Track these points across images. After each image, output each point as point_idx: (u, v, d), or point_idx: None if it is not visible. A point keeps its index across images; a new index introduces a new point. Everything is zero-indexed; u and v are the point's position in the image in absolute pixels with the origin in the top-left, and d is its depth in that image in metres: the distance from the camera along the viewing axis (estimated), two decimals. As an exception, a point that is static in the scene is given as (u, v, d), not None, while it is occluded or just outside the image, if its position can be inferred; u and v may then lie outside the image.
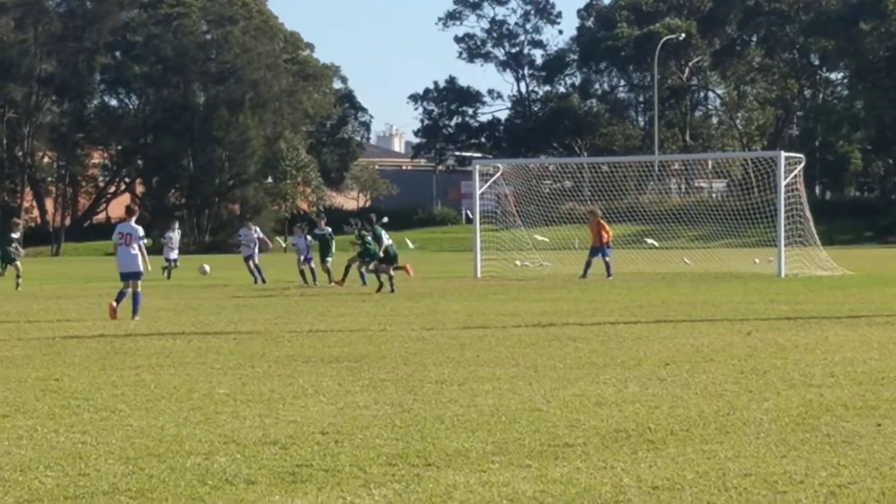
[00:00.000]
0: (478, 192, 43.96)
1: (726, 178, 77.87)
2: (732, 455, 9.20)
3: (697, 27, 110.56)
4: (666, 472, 8.66)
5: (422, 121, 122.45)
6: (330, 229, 37.77)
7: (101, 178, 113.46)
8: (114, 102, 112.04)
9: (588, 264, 38.85)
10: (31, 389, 13.30)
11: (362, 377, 14.00)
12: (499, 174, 45.13)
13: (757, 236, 48.54)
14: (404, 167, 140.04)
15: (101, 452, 9.60)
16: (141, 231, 24.14)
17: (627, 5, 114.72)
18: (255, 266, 39.09)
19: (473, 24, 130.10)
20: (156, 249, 48.22)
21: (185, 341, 18.73)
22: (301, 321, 22.60)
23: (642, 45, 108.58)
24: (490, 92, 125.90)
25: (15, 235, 38.39)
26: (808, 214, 41.82)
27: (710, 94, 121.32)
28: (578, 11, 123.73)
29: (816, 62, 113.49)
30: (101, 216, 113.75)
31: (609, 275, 37.97)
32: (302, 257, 37.62)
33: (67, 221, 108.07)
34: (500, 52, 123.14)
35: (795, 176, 40.79)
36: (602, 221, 39.33)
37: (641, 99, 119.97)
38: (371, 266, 33.08)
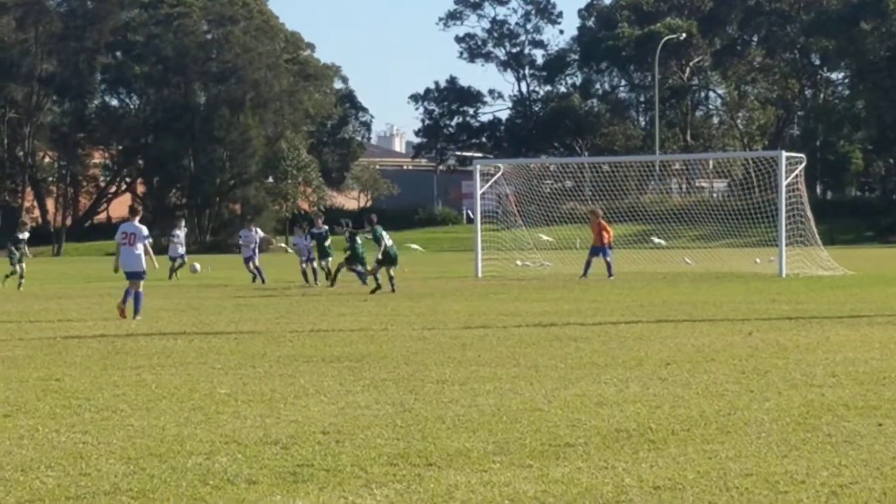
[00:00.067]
0: (479, 192, 43.96)
1: (727, 177, 77.92)
2: (734, 455, 9.20)
3: (698, 27, 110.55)
4: (667, 471, 8.66)
5: (422, 121, 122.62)
6: (327, 227, 37.75)
7: (101, 178, 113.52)
8: (115, 102, 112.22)
9: (588, 264, 38.86)
10: (33, 389, 13.30)
11: (363, 377, 14.00)
12: (500, 174, 45.13)
13: (758, 236, 48.54)
14: (405, 167, 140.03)
15: (103, 452, 9.60)
16: (145, 231, 24.14)
17: (628, 5, 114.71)
18: (256, 268, 39.00)
19: (474, 24, 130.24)
20: (159, 249, 48.16)
21: (187, 341, 18.73)
22: (302, 321, 22.60)
23: (643, 44, 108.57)
24: (491, 92, 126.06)
25: (23, 236, 38.38)
26: (809, 214, 41.83)
27: (711, 94, 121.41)
28: (579, 11, 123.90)
29: (817, 62, 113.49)
30: (102, 216, 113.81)
31: (610, 274, 37.97)
32: (303, 257, 37.61)
33: (68, 221, 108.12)
34: (500, 52, 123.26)
35: (796, 176, 40.79)
36: (603, 222, 39.33)
37: (642, 99, 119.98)
38: (369, 267, 33.12)
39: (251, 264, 39.27)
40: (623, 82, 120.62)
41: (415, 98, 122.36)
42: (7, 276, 37.36)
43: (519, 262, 44.75)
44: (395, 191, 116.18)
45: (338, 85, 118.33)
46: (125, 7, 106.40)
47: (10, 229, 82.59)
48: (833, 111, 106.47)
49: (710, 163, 79.24)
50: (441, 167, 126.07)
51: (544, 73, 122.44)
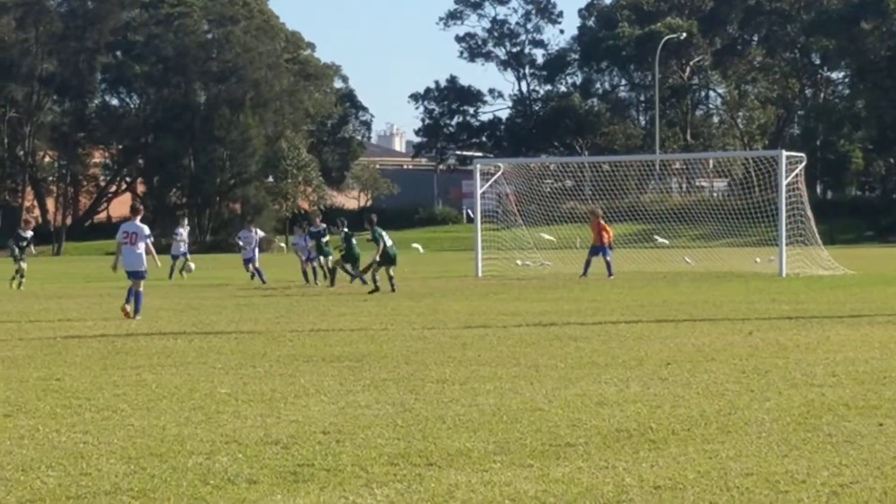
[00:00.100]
0: (479, 192, 43.96)
1: (727, 177, 77.96)
2: (734, 454, 9.20)
3: (698, 26, 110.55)
4: (668, 471, 8.66)
5: (423, 120, 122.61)
6: (325, 225, 37.69)
7: (102, 178, 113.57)
8: (115, 102, 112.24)
9: (588, 263, 38.87)
10: (33, 389, 13.30)
11: (364, 376, 14.00)
12: (500, 173, 45.13)
13: (758, 235, 48.55)
14: (405, 166, 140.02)
15: (103, 452, 9.60)
16: (147, 230, 24.15)
17: (628, 5, 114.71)
18: (255, 269, 38.85)
19: (474, 24, 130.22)
20: (160, 248, 48.12)
21: (187, 341, 18.73)
22: (302, 321, 22.60)
23: (643, 44, 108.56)
24: (491, 91, 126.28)
25: (27, 235, 38.35)
26: (810, 214, 41.82)
27: (711, 94, 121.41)
28: (579, 11, 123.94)
29: (817, 61, 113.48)
30: (102, 215, 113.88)
31: (610, 274, 37.97)
32: (304, 257, 37.59)
33: (68, 221, 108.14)
34: (501, 52, 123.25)
35: (797, 175, 40.78)
36: (603, 222, 39.33)
37: (642, 98, 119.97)
38: (363, 267, 33.09)
39: (251, 266, 39.06)
40: (623, 82, 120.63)
41: (415, 97, 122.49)
42: (13, 279, 37.15)
43: (519, 262, 44.75)
44: (395, 190, 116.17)
45: (338, 84, 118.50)
46: (125, 7, 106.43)
47: (10, 229, 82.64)
48: (833, 111, 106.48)
49: (711, 162, 79.26)
50: (441, 167, 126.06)
51: (544, 73, 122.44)
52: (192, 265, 43.52)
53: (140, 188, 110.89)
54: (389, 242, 32.39)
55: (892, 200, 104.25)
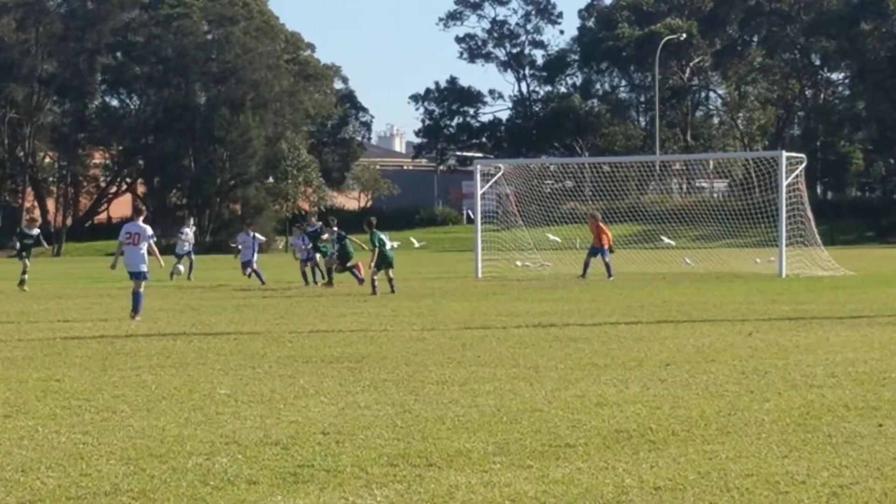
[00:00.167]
0: (479, 192, 43.97)
1: (727, 178, 77.95)
2: (734, 455, 9.20)
3: (698, 27, 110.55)
4: (667, 472, 8.66)
5: (423, 121, 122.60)
6: (321, 224, 37.60)
7: (102, 179, 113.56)
8: (115, 103, 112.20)
9: (586, 265, 38.87)
10: (33, 390, 13.30)
11: (363, 377, 14.00)
12: (500, 174, 45.14)
13: (758, 236, 48.55)
14: (405, 167, 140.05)
15: (103, 453, 9.60)
16: (149, 230, 24.15)
17: (628, 5, 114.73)
18: (254, 271, 38.66)
19: (474, 25, 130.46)
20: (161, 249, 48.10)
21: (186, 342, 18.72)
22: (302, 322, 22.60)
23: (643, 45, 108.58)
24: (491, 92, 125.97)
25: (33, 232, 38.17)
26: (810, 214, 41.83)
27: (712, 95, 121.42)
28: (579, 12, 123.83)
29: (817, 62, 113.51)
30: (103, 216, 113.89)
31: (610, 275, 37.96)
32: (303, 258, 37.54)
33: (69, 221, 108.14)
34: (500, 53, 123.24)
35: (797, 176, 40.79)
36: (602, 225, 39.33)
37: (642, 99, 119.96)
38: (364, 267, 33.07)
39: (248, 269, 38.76)
40: (623, 82, 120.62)
41: (415, 98, 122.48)
42: (21, 282, 36.78)
43: (519, 263, 44.74)
44: (395, 191, 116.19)
45: (338, 85, 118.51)
46: (125, 8, 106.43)
47: (10, 230, 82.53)
48: (833, 111, 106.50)
49: (711, 163, 79.26)
50: (441, 167, 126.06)
51: (544, 74, 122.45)
52: (181, 267, 42.40)
53: (140, 189, 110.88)
54: (388, 245, 32.22)
55: (892, 201, 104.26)
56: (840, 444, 9.59)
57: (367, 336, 19.27)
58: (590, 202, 49.69)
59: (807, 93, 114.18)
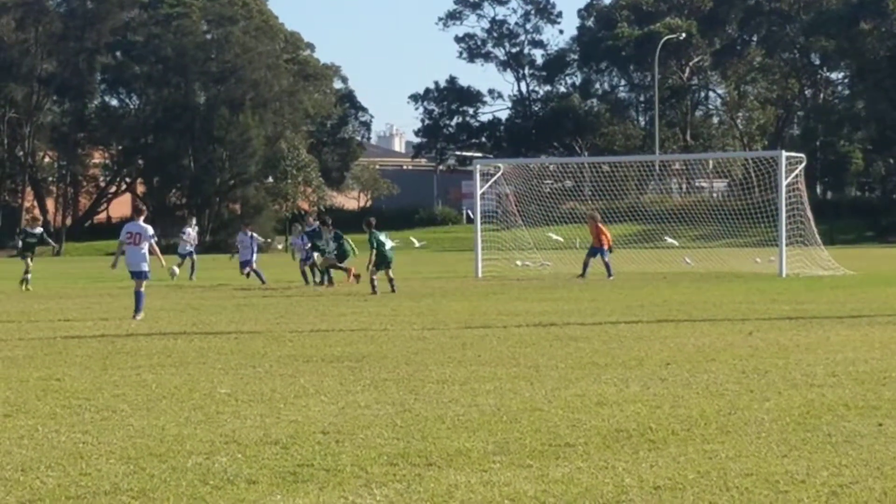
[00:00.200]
0: (479, 192, 43.96)
1: (727, 177, 77.90)
2: (734, 455, 9.20)
3: (698, 27, 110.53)
4: (667, 471, 8.66)
5: (422, 120, 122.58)
6: (318, 223, 37.59)
7: (101, 178, 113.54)
8: (114, 102, 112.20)
9: (586, 264, 38.88)
10: (33, 389, 13.30)
11: (363, 377, 14.00)
12: (499, 174, 45.13)
13: (758, 236, 48.55)
14: (405, 167, 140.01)
15: (103, 452, 9.60)
16: (150, 230, 24.16)
17: (628, 5, 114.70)
18: (254, 270, 38.65)
19: (474, 24, 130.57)
20: (161, 249, 48.10)
21: (187, 341, 18.73)
22: (302, 321, 22.60)
23: (643, 44, 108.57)
24: (490, 92, 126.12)
25: (36, 231, 38.13)
26: (810, 214, 41.83)
27: (711, 94, 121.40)
28: (579, 11, 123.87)
29: (817, 62, 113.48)
30: (102, 216, 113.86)
31: (610, 275, 37.96)
32: (302, 258, 37.52)
33: (68, 221, 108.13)
34: (500, 52, 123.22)
35: (796, 175, 40.78)
36: (601, 226, 39.33)
37: (642, 99, 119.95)
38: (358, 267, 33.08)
39: (247, 269, 38.72)
40: (623, 82, 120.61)
41: (415, 98, 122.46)
42: (23, 281, 36.70)
43: (519, 262, 44.74)
44: (395, 191, 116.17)
45: (338, 85, 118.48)
46: (125, 7, 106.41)
47: (10, 230, 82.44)
48: (833, 111, 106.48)
49: (710, 163, 79.22)
50: (441, 167, 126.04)
51: (544, 73, 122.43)
52: (177, 269, 41.94)
53: (140, 189, 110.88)
54: (388, 245, 32.21)
55: (892, 201, 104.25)
56: (840, 444, 9.59)
57: (368, 335, 19.27)
58: (589, 202, 49.69)
59: (806, 92, 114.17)
